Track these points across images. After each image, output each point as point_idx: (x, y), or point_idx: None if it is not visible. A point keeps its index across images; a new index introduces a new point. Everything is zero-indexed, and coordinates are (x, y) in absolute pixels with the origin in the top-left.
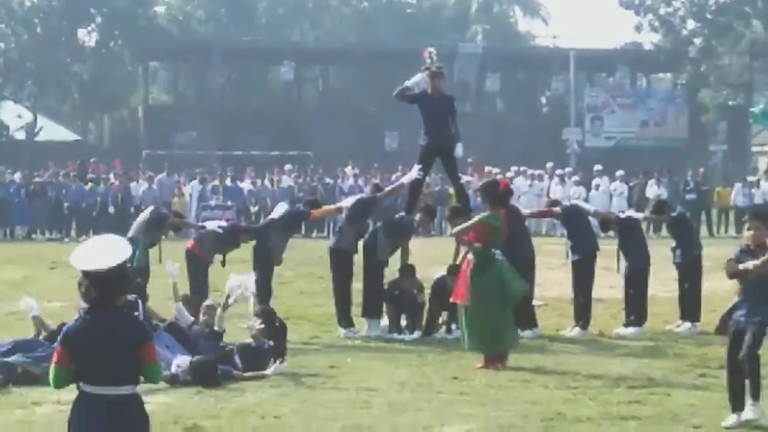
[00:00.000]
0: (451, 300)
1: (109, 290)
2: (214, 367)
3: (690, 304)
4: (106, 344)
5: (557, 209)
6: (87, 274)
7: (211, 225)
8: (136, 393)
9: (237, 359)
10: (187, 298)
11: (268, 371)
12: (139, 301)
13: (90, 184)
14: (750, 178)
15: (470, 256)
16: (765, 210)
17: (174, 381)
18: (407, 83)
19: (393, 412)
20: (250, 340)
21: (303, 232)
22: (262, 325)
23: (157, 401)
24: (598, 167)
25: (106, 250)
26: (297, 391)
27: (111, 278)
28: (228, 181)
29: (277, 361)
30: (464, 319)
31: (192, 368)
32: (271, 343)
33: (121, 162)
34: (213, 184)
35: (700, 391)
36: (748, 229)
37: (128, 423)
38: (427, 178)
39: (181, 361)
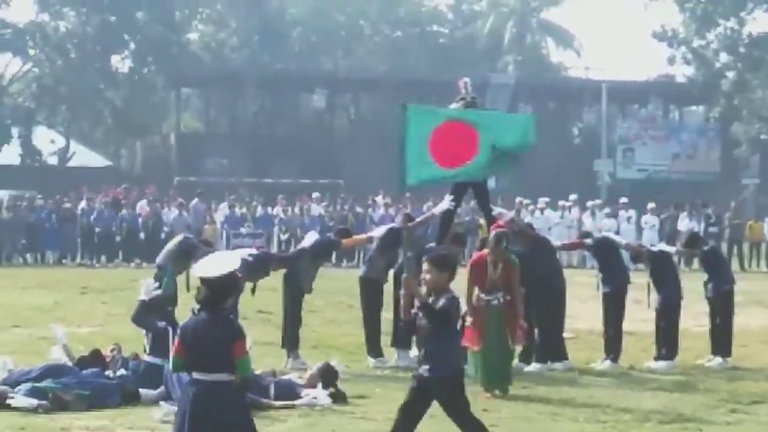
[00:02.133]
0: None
1: (217, 294)
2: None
3: (721, 339)
4: (207, 339)
5: (588, 241)
6: (202, 280)
7: (242, 253)
8: (231, 380)
9: (271, 389)
10: None
11: (298, 402)
12: (170, 329)
13: (123, 210)
14: None
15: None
16: None
17: None
18: None
19: None
20: (289, 376)
21: (333, 261)
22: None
23: None
24: (623, 200)
25: (219, 262)
26: (325, 420)
27: (220, 284)
28: (259, 209)
29: (311, 395)
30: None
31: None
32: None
33: (153, 189)
34: (242, 211)
35: (731, 426)
36: None
37: (224, 405)
38: (458, 209)
39: None
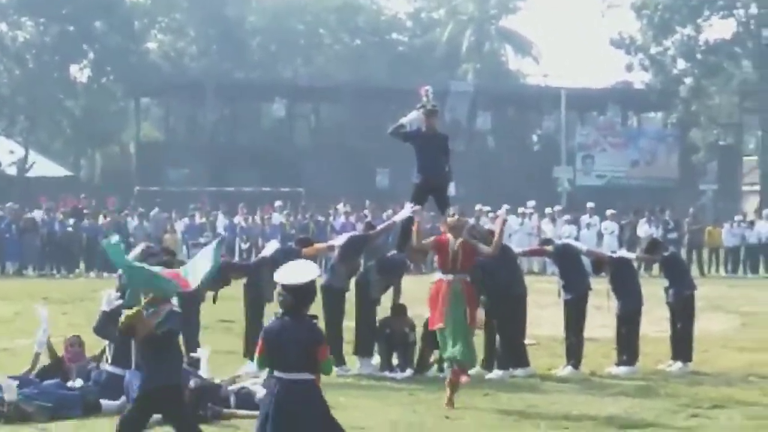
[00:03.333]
0: (430, 328)
1: (300, 300)
2: (209, 392)
3: (682, 344)
4: (291, 341)
5: (549, 248)
6: (285, 287)
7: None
8: (312, 379)
9: (232, 399)
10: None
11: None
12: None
13: (84, 220)
14: (737, 217)
15: (444, 282)
16: None
17: None
18: (402, 121)
19: None
20: (246, 383)
21: None
22: None
23: None
24: (590, 204)
25: (300, 270)
26: None
27: (303, 290)
28: (220, 217)
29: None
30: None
31: (189, 392)
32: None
33: (114, 200)
34: (202, 221)
35: (692, 431)
36: None
37: (307, 402)
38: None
39: None
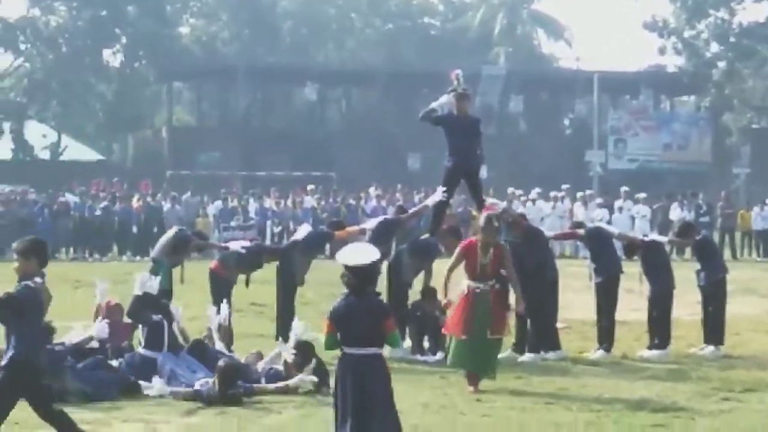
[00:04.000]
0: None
1: (364, 279)
2: (239, 370)
3: (714, 328)
4: (359, 318)
5: (581, 231)
6: (349, 268)
7: (235, 245)
8: (380, 353)
9: (262, 380)
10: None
11: (291, 382)
12: (164, 322)
13: (116, 204)
14: None
15: (472, 292)
16: None
17: (198, 397)
18: (433, 105)
19: None
20: (279, 368)
21: (326, 253)
22: (297, 357)
23: (180, 422)
24: (624, 189)
25: (363, 252)
26: (320, 411)
27: (367, 271)
28: (251, 201)
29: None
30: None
31: (219, 371)
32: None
33: (147, 184)
34: (233, 205)
35: (724, 414)
36: None
37: (374, 375)
38: (451, 200)
39: (203, 381)
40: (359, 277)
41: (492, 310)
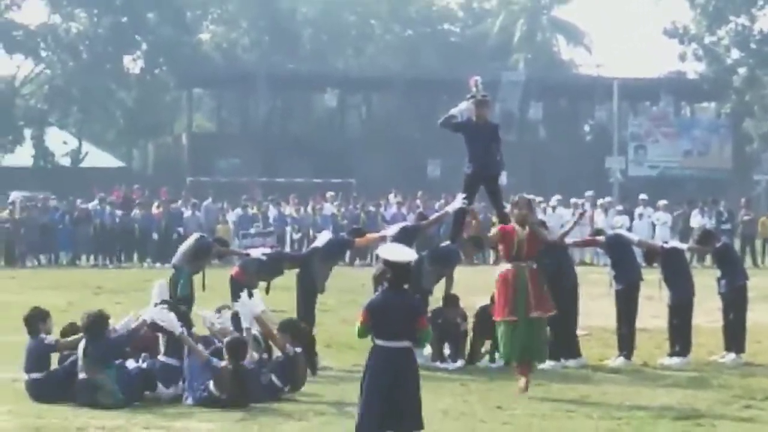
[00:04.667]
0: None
1: (402, 276)
2: (245, 344)
3: (735, 335)
4: (394, 311)
5: (601, 238)
6: (389, 264)
7: (256, 252)
8: (411, 347)
9: (275, 380)
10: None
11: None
12: (184, 330)
13: (136, 211)
14: None
15: (511, 271)
16: None
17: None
18: (452, 111)
19: None
20: (279, 355)
21: (347, 260)
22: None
23: (200, 428)
24: (643, 196)
25: (402, 251)
26: (340, 419)
27: (405, 268)
28: (271, 208)
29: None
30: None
31: (227, 346)
32: (298, 349)
33: (167, 190)
34: (253, 211)
35: (745, 422)
36: None
37: (404, 367)
38: (471, 207)
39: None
40: (397, 274)
41: (530, 287)
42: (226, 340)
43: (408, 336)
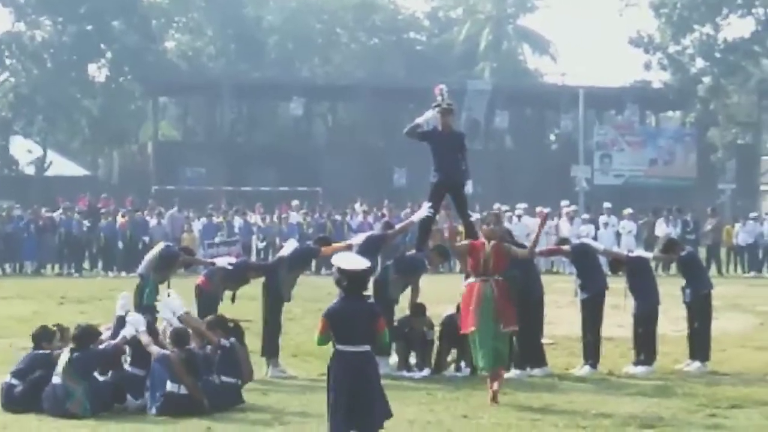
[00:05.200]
0: (462, 332)
1: (357, 283)
2: (188, 332)
3: (700, 344)
4: (352, 317)
5: (566, 247)
6: (344, 272)
7: (221, 261)
8: (370, 351)
9: (226, 379)
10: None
11: None
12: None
13: (102, 220)
14: (752, 214)
15: (477, 284)
16: None
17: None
18: (418, 120)
19: None
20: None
21: (313, 269)
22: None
23: None
24: (608, 205)
25: (356, 260)
26: (305, 428)
27: (360, 276)
28: (236, 218)
29: None
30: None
31: (172, 335)
32: (232, 339)
33: (132, 199)
34: (218, 220)
35: (710, 430)
36: None
37: (365, 370)
38: (437, 216)
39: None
40: (353, 281)
41: (497, 300)
42: (169, 330)
43: (367, 340)
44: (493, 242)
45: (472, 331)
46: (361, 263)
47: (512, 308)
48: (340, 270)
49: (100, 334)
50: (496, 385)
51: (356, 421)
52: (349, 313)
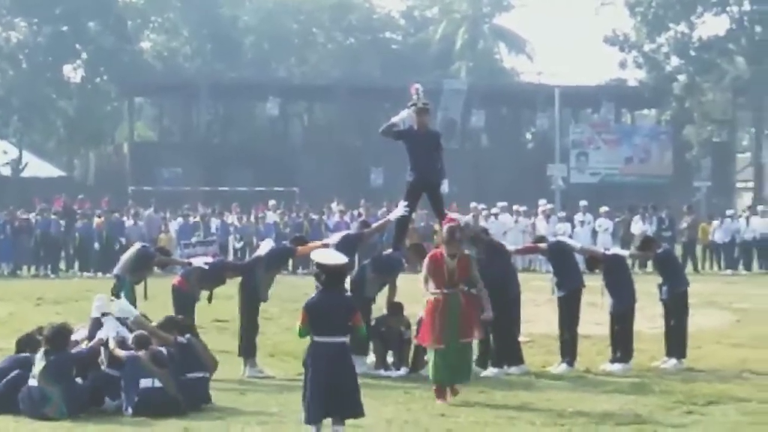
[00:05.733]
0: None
1: (335, 278)
2: (148, 336)
3: (676, 341)
4: (330, 310)
5: (543, 245)
6: (322, 266)
7: (198, 261)
8: (346, 342)
9: (192, 375)
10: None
11: None
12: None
13: (79, 220)
14: (729, 212)
15: (441, 297)
16: None
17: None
18: (393, 119)
19: None
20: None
21: (289, 268)
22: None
23: None
24: (584, 203)
25: (334, 255)
26: (283, 428)
27: (338, 271)
28: (213, 218)
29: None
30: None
31: (133, 340)
32: (187, 335)
33: (108, 200)
34: (195, 220)
35: (687, 427)
36: None
37: (341, 360)
38: (413, 215)
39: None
40: (331, 276)
41: (462, 313)
42: (132, 335)
43: (343, 332)
44: (457, 258)
45: (437, 348)
46: (339, 258)
47: (475, 319)
48: (318, 265)
49: (71, 332)
50: (450, 398)
51: (334, 407)
52: (327, 306)
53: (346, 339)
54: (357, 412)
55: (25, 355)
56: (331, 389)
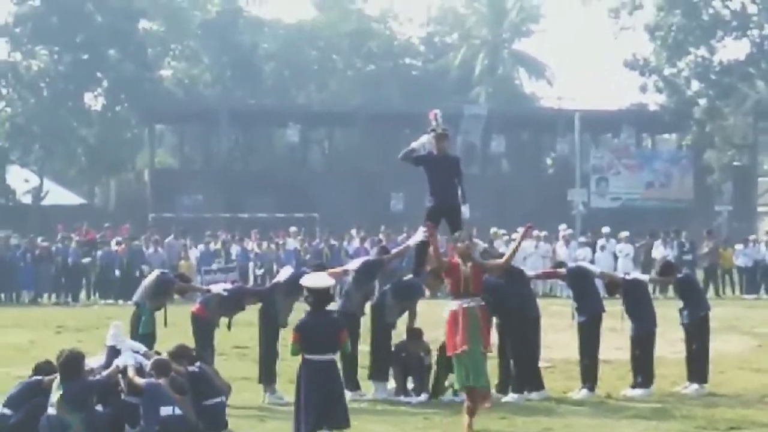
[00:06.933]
0: (448, 354)
1: (321, 299)
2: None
3: (697, 366)
4: (319, 329)
5: (563, 270)
6: (309, 290)
7: (217, 288)
8: (334, 359)
9: (208, 401)
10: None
11: None
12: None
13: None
14: (752, 237)
15: (461, 308)
16: None
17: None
18: (413, 145)
19: None
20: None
21: None
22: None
23: None
24: (605, 228)
25: (320, 279)
26: None
27: (324, 293)
28: (233, 245)
29: None
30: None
31: (153, 366)
32: (198, 364)
33: (129, 227)
34: (216, 247)
35: None
36: None
37: (331, 375)
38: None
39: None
40: (318, 298)
41: (481, 325)
42: (150, 362)
43: (332, 349)
44: (470, 263)
45: (463, 350)
46: (324, 281)
47: (489, 331)
48: (306, 288)
49: (83, 357)
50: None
51: (326, 419)
52: (315, 325)
53: (335, 356)
54: (345, 423)
55: (37, 378)
56: (321, 402)
